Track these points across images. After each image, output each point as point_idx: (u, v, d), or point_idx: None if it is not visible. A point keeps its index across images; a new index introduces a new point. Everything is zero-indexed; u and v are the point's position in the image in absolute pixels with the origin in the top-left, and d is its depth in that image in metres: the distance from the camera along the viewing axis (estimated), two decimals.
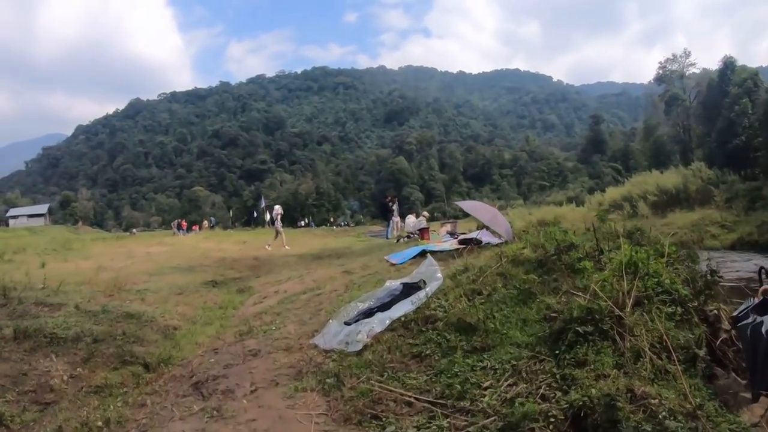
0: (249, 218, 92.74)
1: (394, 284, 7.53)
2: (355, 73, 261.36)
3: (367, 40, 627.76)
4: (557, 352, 4.85)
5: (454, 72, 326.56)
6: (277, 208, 25.54)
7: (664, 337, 4.87)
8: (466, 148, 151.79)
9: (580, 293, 5.73)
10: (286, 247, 22.78)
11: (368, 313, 6.55)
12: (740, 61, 60.21)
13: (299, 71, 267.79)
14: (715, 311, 5.98)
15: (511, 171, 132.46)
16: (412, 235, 18.44)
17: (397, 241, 18.94)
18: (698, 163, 47.56)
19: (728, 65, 58.86)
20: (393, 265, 10.94)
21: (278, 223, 24.64)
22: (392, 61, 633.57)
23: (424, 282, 7.16)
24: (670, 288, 5.86)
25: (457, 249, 10.60)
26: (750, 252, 26.82)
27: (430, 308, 6.19)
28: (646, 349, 4.70)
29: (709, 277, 6.48)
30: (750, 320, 4.79)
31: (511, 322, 5.70)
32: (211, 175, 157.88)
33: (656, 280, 5.92)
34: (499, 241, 10.54)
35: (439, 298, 6.53)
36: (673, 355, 4.63)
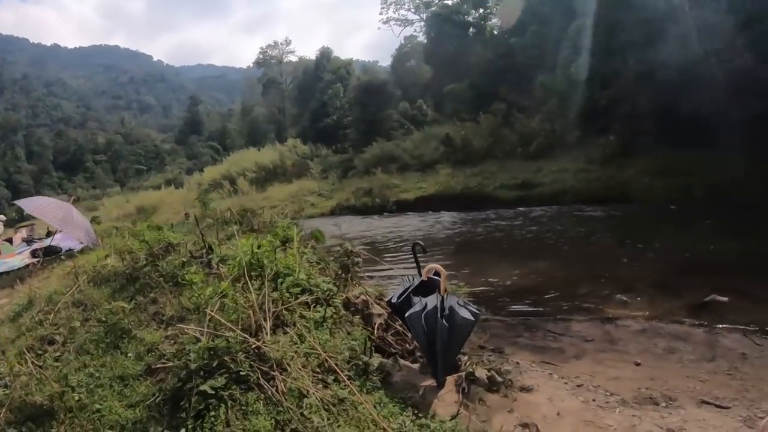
0: None
1: None
2: None
3: None
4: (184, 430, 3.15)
5: (48, 44, 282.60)
6: None
7: (323, 356, 3.98)
8: (56, 132, 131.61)
9: (193, 321, 4.21)
10: None
11: None
12: (336, 53, 66.50)
13: None
14: (363, 297, 5.35)
15: (106, 156, 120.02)
16: None
17: None
18: (293, 139, 51.18)
19: (324, 55, 64.62)
20: None
21: None
22: None
23: None
24: (309, 285, 4.92)
25: (30, 265, 8.57)
26: (350, 215, 29.11)
27: None
28: (310, 388, 3.61)
29: (347, 259, 5.75)
30: (420, 308, 4.55)
31: (104, 385, 3.70)
32: None
33: (291, 279, 4.84)
34: (82, 245, 8.84)
35: None
36: (341, 375, 3.87)
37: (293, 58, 74.06)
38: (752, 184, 17.99)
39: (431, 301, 4.58)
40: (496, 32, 44.47)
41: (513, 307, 10.01)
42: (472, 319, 4.60)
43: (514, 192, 24.94)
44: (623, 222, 17.84)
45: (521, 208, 22.70)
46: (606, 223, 17.93)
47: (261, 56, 75.31)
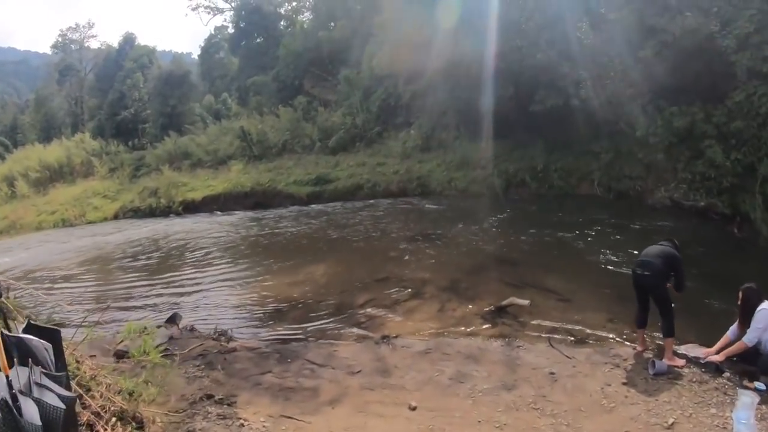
0: None
1: None
2: None
3: None
4: None
5: None
6: None
7: None
8: None
9: None
10: None
11: None
12: (143, 41, 60.59)
13: None
14: None
15: None
16: None
17: None
18: (81, 134, 46.40)
19: (128, 41, 58.91)
20: None
21: None
22: None
23: None
24: None
25: None
26: (135, 218, 26.11)
27: None
28: None
29: None
30: None
31: None
32: None
33: None
34: None
35: None
36: None
37: (98, 44, 66.17)
38: (548, 175, 17.74)
39: None
40: (306, 26, 42.58)
41: (274, 327, 7.67)
42: (38, 424, 2.43)
43: (309, 188, 23.15)
44: (419, 216, 16.36)
45: (314, 205, 20.90)
46: (401, 218, 16.32)
47: (60, 39, 66.10)
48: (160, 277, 11.92)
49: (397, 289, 8.74)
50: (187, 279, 11.36)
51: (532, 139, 18.95)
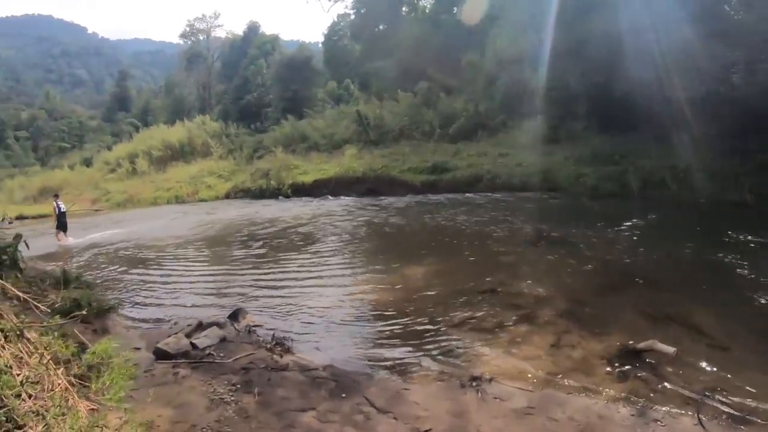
0: None
1: None
2: None
3: None
4: None
5: None
6: None
7: None
8: None
9: None
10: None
11: None
12: (267, 30, 64.42)
13: None
14: None
15: (27, 133, 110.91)
16: None
17: None
18: (202, 116, 48.53)
19: (252, 29, 61.56)
20: None
21: None
22: None
23: None
24: None
25: None
26: (245, 198, 26.97)
27: None
28: None
29: None
30: None
31: None
32: None
33: None
34: None
35: None
36: None
37: (224, 33, 70.08)
38: (691, 175, 15.32)
39: None
40: (428, 11, 41.28)
41: (346, 342, 6.45)
42: None
43: (423, 176, 22.13)
44: (542, 215, 14.41)
45: (428, 195, 19.86)
46: (522, 215, 14.58)
47: (188, 29, 70.71)
48: (246, 264, 11.29)
49: (503, 307, 7.18)
50: (275, 269, 10.56)
51: (672, 133, 16.49)
